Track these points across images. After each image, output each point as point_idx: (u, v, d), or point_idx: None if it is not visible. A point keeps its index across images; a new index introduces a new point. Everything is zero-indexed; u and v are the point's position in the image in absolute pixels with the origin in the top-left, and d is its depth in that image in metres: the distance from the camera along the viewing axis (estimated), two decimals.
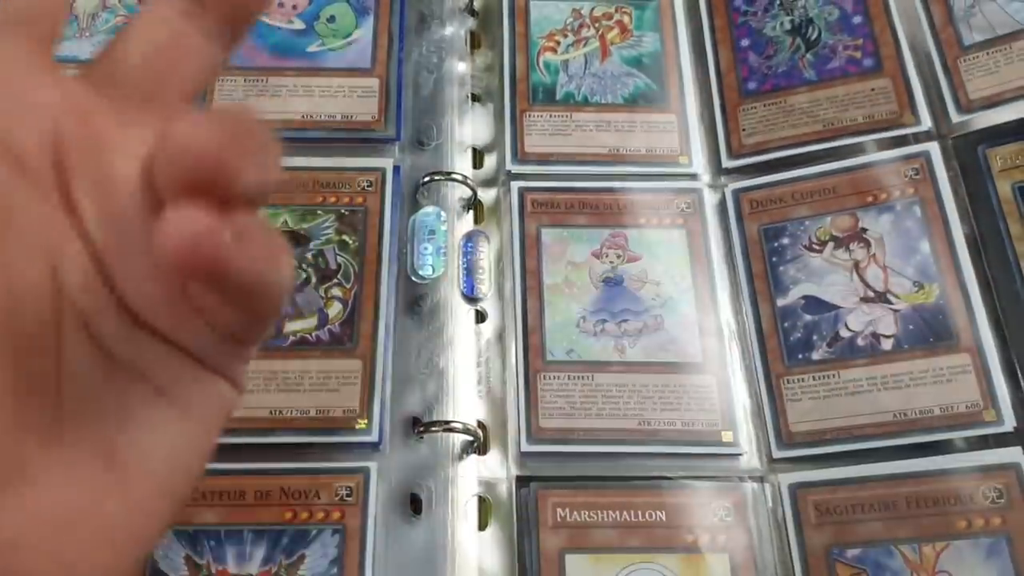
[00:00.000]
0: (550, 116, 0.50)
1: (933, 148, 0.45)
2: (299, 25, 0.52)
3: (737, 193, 0.48)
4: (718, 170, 0.49)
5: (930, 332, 0.42)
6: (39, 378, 0.17)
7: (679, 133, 0.50)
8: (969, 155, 0.44)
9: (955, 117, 0.46)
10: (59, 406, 0.18)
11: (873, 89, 0.47)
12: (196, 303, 0.19)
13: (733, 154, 0.49)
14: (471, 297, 0.46)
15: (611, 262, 0.47)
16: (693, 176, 0.49)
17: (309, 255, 0.46)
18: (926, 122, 0.46)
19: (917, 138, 0.46)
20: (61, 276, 0.18)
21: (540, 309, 0.45)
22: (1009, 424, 0.39)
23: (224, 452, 0.40)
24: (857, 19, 0.50)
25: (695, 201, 0.48)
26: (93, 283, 0.18)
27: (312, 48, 0.51)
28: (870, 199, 0.45)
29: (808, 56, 0.50)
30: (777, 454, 0.42)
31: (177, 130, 0.16)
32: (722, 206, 0.48)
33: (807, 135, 0.48)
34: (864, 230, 0.45)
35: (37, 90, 0.18)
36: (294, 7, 0.53)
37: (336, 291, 0.45)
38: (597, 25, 0.53)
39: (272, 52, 0.51)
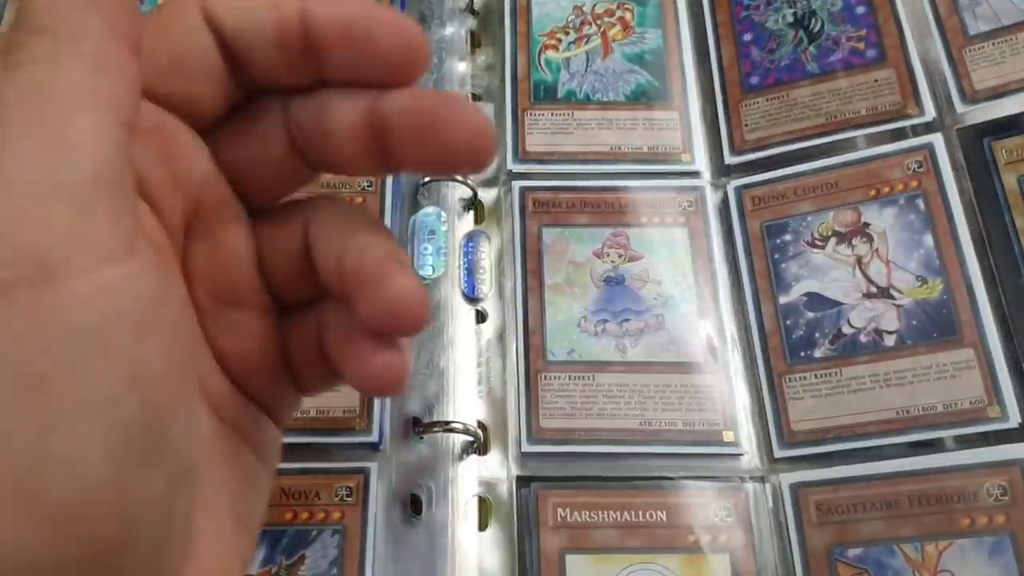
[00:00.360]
0: (551, 115, 0.51)
1: (937, 140, 0.45)
2: None
3: (739, 190, 0.48)
4: (720, 167, 0.49)
5: (934, 327, 0.42)
6: (191, 449, 0.18)
7: (681, 130, 0.50)
8: (974, 147, 0.44)
9: (960, 108, 0.46)
10: (200, 475, 0.19)
11: (876, 80, 0.48)
12: (299, 375, 0.21)
13: (735, 150, 0.49)
14: (472, 297, 0.47)
15: (612, 261, 0.47)
16: (695, 174, 0.49)
17: None
18: (930, 112, 0.46)
19: (920, 130, 0.46)
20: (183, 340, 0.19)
21: (541, 309, 0.46)
22: (1014, 420, 0.39)
23: None
24: (860, 9, 0.50)
25: (697, 199, 0.48)
26: (203, 348, 0.20)
27: None
28: (873, 193, 0.45)
29: (811, 49, 0.50)
30: (778, 453, 0.42)
31: (396, 297, 0.19)
32: (724, 204, 0.48)
33: (809, 129, 0.48)
34: (867, 225, 0.45)
35: (196, 158, 0.20)
36: None
37: None
38: (599, 22, 0.54)
39: None
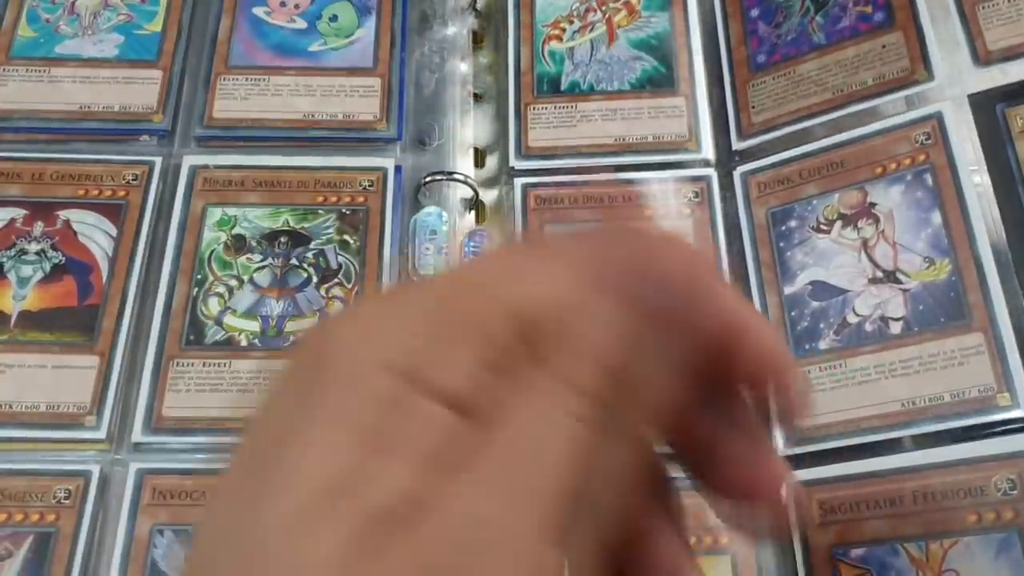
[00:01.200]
0: (555, 108, 0.52)
1: (947, 107, 0.44)
2: (301, 24, 0.56)
3: (745, 176, 0.48)
4: (728, 154, 0.49)
5: (941, 312, 0.41)
6: None
7: (688, 117, 0.51)
8: (986, 115, 0.43)
9: (973, 71, 0.44)
10: None
11: (884, 46, 0.47)
12: None
13: (743, 134, 0.49)
14: None
15: None
16: (702, 163, 0.50)
17: (310, 255, 0.49)
18: (940, 76, 0.45)
19: (929, 96, 0.45)
20: None
21: None
22: None
23: (223, 452, 0.44)
24: None
25: (703, 189, 0.49)
26: None
27: (314, 47, 0.55)
28: (879, 170, 0.45)
29: (818, 18, 0.50)
30: (780, 451, 0.42)
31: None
32: (730, 192, 0.48)
33: (815, 106, 0.48)
34: (873, 205, 0.44)
35: None
36: (296, 6, 0.57)
37: (337, 291, 0.48)
38: (604, 8, 0.55)
39: (274, 51, 0.55)
